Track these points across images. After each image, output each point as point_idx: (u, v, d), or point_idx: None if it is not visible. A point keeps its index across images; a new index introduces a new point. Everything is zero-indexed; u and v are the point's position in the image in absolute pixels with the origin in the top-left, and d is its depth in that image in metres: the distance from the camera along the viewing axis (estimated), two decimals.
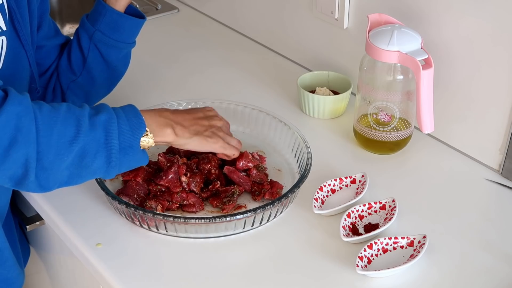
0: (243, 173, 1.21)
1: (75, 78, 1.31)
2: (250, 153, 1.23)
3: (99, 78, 1.31)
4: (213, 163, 1.21)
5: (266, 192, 1.18)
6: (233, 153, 1.20)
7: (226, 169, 1.20)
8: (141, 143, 1.04)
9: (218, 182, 1.19)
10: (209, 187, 1.19)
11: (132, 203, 1.14)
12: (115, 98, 1.39)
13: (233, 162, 1.22)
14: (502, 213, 1.20)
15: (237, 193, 1.18)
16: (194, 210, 1.16)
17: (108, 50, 1.29)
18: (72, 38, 1.34)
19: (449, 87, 1.30)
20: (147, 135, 1.05)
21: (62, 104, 1.00)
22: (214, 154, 1.22)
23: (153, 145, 1.06)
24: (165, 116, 1.11)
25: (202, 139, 1.15)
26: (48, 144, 0.96)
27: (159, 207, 1.14)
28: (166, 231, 1.12)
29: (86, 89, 1.32)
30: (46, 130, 0.96)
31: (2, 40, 1.12)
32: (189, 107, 1.37)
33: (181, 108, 1.37)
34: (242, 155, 1.22)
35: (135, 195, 1.16)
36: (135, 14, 1.30)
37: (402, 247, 1.09)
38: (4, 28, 1.12)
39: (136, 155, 1.03)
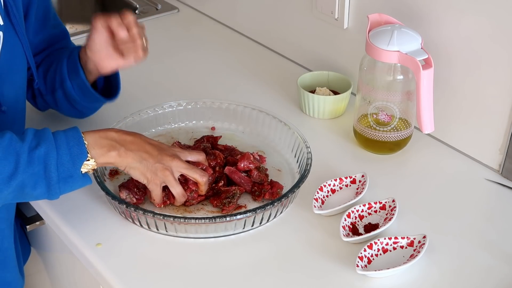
0: (244, 174, 1.21)
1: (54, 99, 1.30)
2: (251, 154, 1.23)
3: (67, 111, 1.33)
4: (219, 161, 1.21)
5: (266, 192, 1.18)
6: (180, 198, 1.15)
7: (227, 169, 1.20)
8: (83, 167, 1.05)
9: (222, 182, 1.19)
10: (212, 185, 1.19)
11: (131, 195, 1.15)
12: None
13: (234, 163, 1.22)
14: (502, 213, 1.20)
15: (238, 194, 1.17)
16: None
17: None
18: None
19: (449, 87, 1.30)
20: (88, 160, 1.05)
21: (5, 136, 1.01)
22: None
23: (97, 167, 1.07)
24: (110, 137, 1.09)
25: (144, 168, 1.11)
26: None
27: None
28: (166, 231, 1.12)
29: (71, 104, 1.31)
30: None
31: None
32: (189, 107, 1.37)
33: (180, 108, 1.37)
34: (243, 156, 1.21)
35: (135, 189, 1.16)
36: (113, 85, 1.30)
37: (402, 247, 1.09)
38: (1, 23, 1.12)
39: (77, 182, 1.06)
